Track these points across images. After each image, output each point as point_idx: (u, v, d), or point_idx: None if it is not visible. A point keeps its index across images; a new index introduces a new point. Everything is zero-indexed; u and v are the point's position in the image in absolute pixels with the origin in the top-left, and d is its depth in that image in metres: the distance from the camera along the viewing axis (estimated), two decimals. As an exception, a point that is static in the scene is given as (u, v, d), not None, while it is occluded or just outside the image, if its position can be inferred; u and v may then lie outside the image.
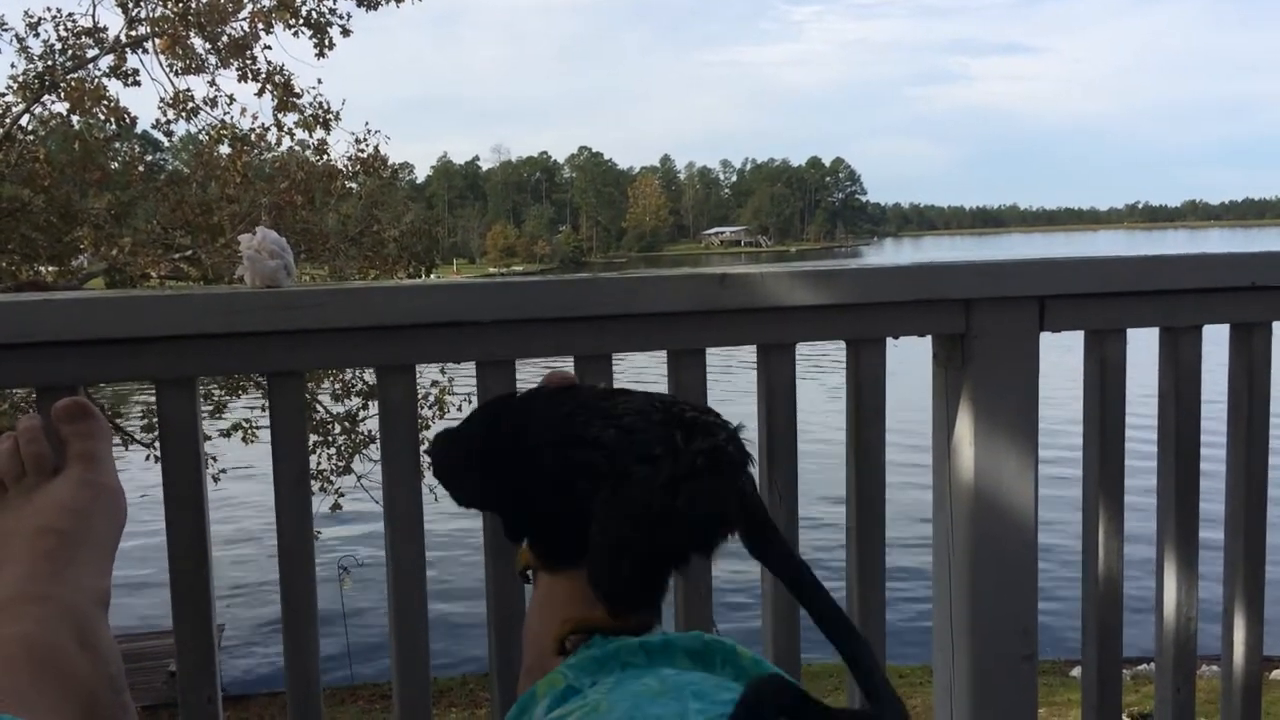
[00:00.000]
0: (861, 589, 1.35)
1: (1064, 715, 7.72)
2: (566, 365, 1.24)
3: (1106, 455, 1.43)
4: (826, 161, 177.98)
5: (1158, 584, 1.50)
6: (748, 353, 1.33)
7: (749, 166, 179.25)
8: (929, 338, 1.39)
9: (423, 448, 0.98)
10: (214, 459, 9.06)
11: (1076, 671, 1.54)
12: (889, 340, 1.36)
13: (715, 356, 1.32)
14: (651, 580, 0.79)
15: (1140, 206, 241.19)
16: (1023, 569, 1.38)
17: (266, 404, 1.18)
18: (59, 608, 0.82)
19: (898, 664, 9.13)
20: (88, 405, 0.96)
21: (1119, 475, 1.44)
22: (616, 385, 1.21)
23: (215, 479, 8.69)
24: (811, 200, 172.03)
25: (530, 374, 1.20)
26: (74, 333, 1.09)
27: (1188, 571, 1.48)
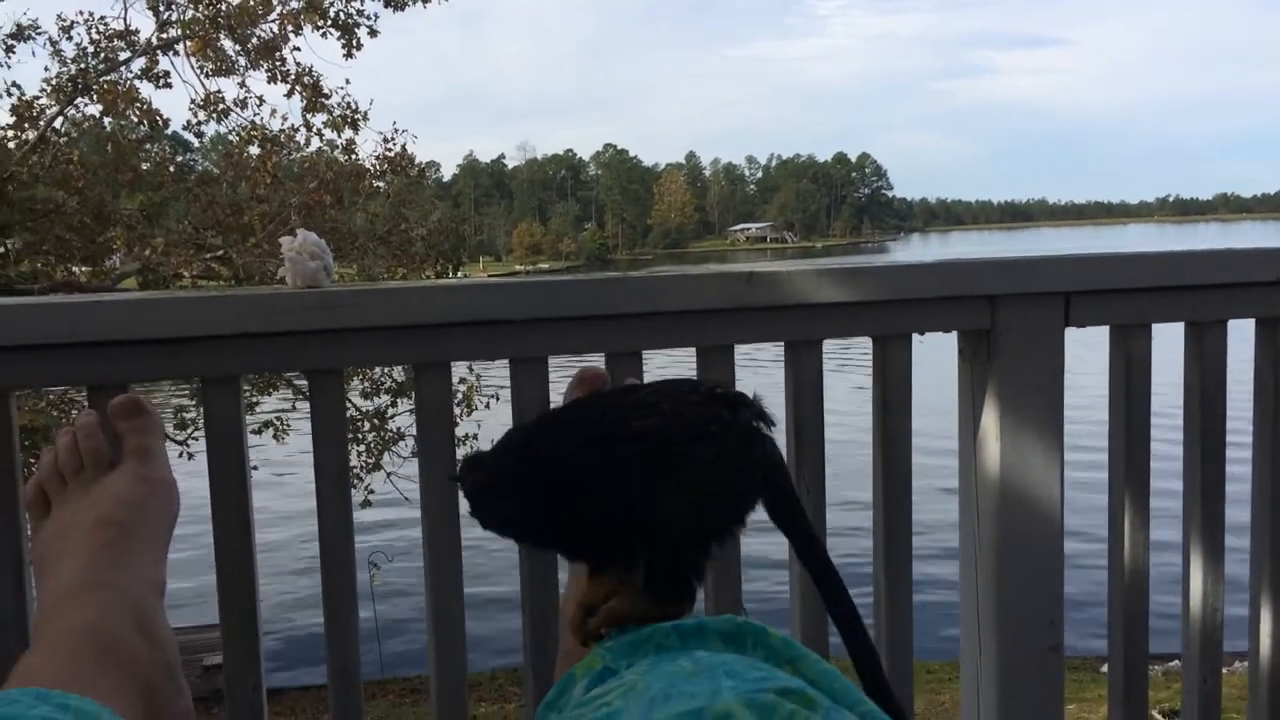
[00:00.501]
0: (889, 582, 1.37)
1: (1094, 710, 7.69)
2: (598, 362, 1.26)
3: (1132, 449, 1.44)
4: (852, 157, 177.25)
5: (1184, 576, 1.51)
6: (769, 350, 1.35)
7: (774, 162, 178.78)
8: (955, 335, 1.40)
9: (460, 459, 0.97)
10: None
11: (1107, 668, 1.55)
12: (915, 337, 1.38)
13: (739, 352, 1.35)
14: (707, 559, 0.81)
15: (1171, 200, 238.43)
16: (1049, 561, 1.40)
17: (294, 403, 1.21)
18: (119, 597, 0.85)
19: (925, 659, 9.13)
20: (142, 402, 1.00)
21: (1145, 469, 1.45)
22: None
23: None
24: (837, 196, 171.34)
25: (563, 372, 1.24)
26: (122, 333, 1.12)
27: (1214, 563, 1.49)
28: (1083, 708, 7.95)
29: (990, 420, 1.39)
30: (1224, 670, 1.54)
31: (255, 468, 1.27)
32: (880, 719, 0.60)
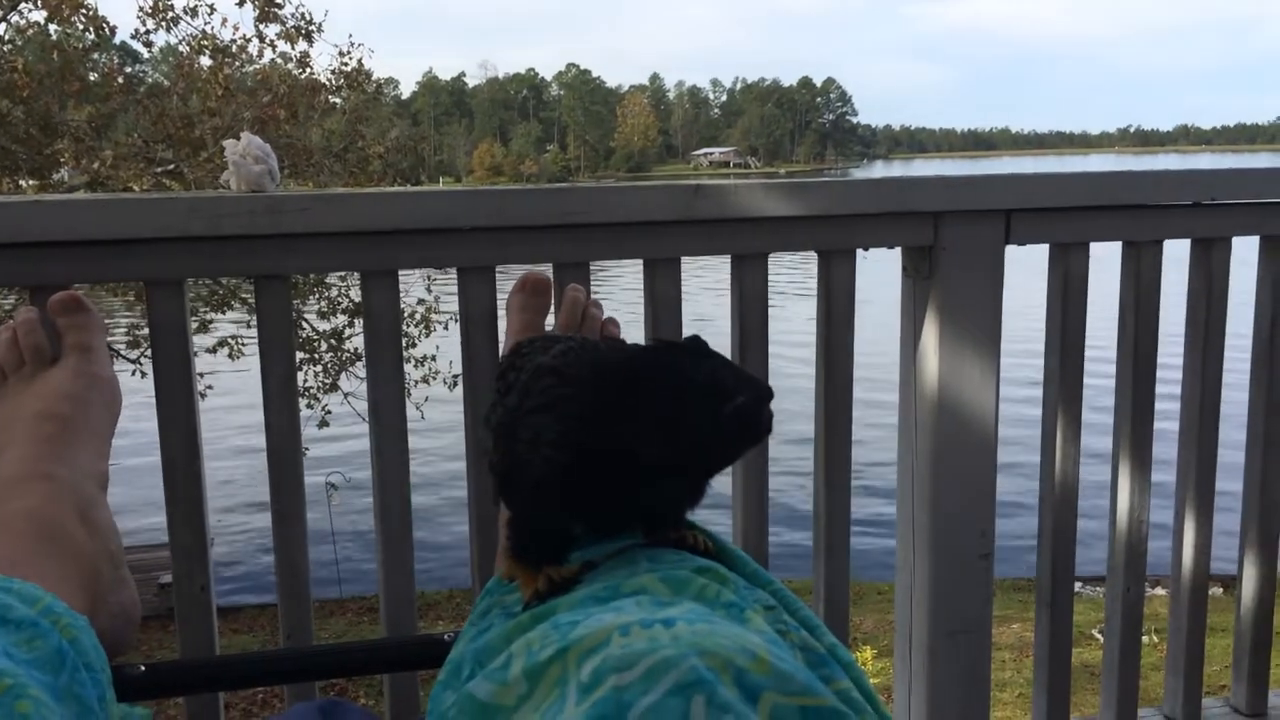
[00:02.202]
0: (828, 488, 1.41)
1: (1035, 629, 7.93)
2: (545, 271, 1.27)
3: (1066, 364, 1.48)
4: (818, 82, 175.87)
5: (1112, 488, 1.56)
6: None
7: (739, 86, 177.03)
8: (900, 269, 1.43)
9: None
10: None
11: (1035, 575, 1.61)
12: (859, 252, 1.40)
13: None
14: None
15: (1132, 130, 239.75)
16: (982, 473, 1.44)
17: (250, 320, 1.21)
18: (61, 486, 0.86)
19: (879, 581, 9.36)
20: (82, 299, 1.00)
21: (1078, 384, 1.50)
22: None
23: (202, 395, 8.72)
24: (802, 121, 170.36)
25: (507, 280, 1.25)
26: (65, 233, 1.11)
27: (1141, 476, 1.54)
28: (1025, 626, 8.22)
29: (930, 336, 1.42)
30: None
31: (210, 387, 1.26)
32: (794, 601, 0.63)
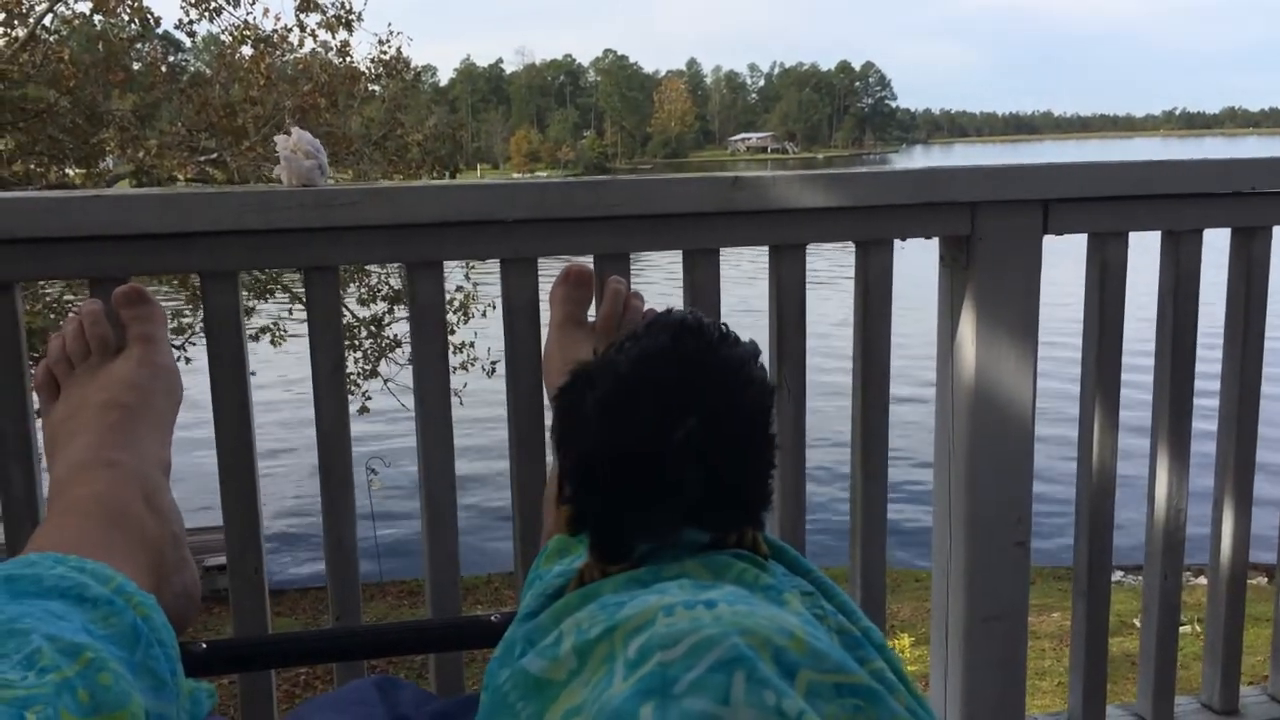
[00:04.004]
0: (865, 477, 1.43)
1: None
2: (586, 262, 1.30)
3: (1104, 354, 1.49)
4: (856, 66, 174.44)
5: (1150, 477, 1.57)
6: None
7: (777, 70, 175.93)
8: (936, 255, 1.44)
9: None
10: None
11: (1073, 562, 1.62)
12: (896, 243, 1.41)
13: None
14: None
15: (1177, 113, 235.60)
16: (1019, 461, 1.45)
17: (291, 307, 1.24)
18: (127, 472, 0.90)
19: (917, 569, 9.33)
20: (145, 291, 1.04)
21: (1115, 373, 1.50)
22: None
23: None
24: (840, 106, 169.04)
25: (550, 271, 1.27)
26: (123, 227, 1.15)
27: (1179, 465, 1.55)
28: (1066, 615, 8.17)
29: (967, 325, 1.43)
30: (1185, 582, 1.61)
31: (254, 373, 1.30)
32: (832, 588, 0.65)
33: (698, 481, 0.63)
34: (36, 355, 1.27)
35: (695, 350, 0.69)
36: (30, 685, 0.58)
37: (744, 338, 0.73)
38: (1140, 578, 1.63)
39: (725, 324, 0.74)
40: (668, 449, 0.64)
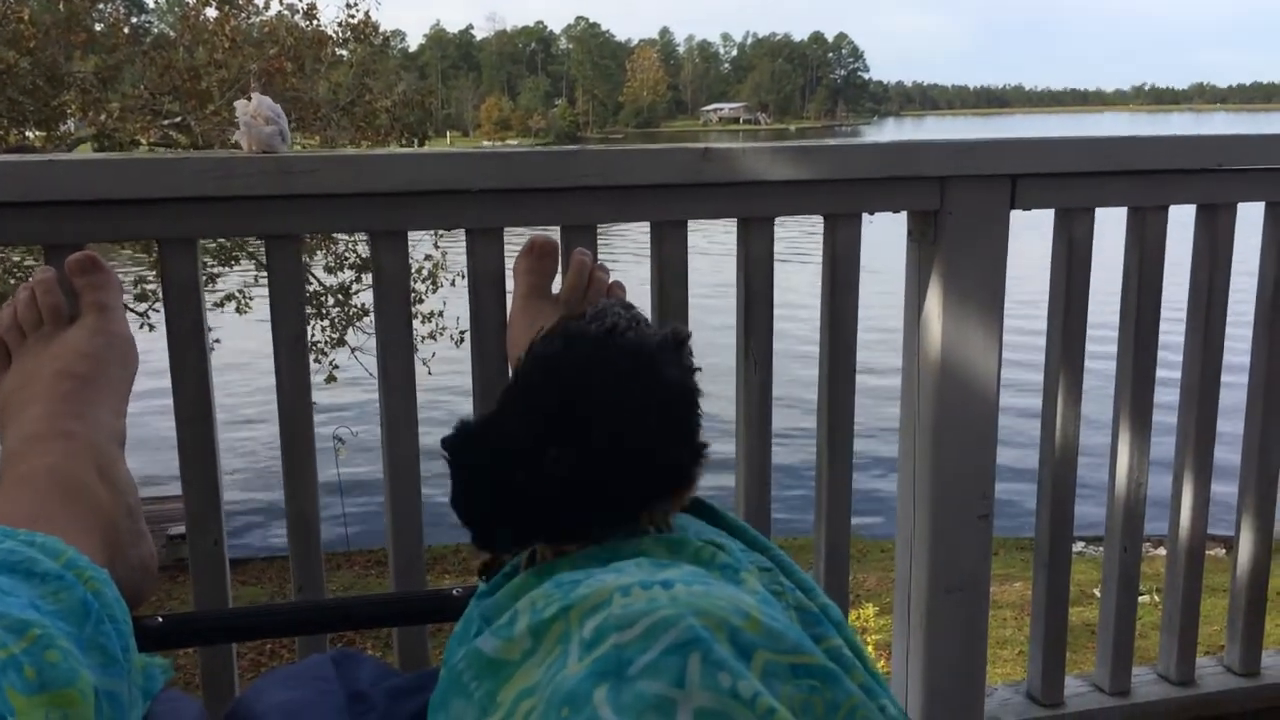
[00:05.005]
0: (830, 449, 1.43)
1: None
2: (553, 234, 1.28)
3: (1069, 329, 1.49)
4: (830, 36, 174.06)
5: (1111, 451, 1.58)
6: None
7: (750, 40, 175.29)
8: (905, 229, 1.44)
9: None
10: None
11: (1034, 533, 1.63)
12: (865, 217, 1.41)
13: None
14: None
15: (1147, 88, 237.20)
16: (983, 435, 1.46)
17: (257, 275, 1.22)
18: (81, 443, 0.89)
19: (882, 539, 9.41)
20: (99, 260, 1.01)
21: (1080, 348, 1.51)
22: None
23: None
24: (813, 77, 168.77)
25: (516, 243, 1.26)
26: (79, 193, 1.13)
27: (1140, 440, 1.56)
28: (1027, 585, 8.28)
29: (934, 300, 1.43)
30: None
31: (218, 341, 1.29)
32: (791, 565, 0.65)
33: (574, 497, 0.64)
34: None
35: (583, 364, 0.70)
36: None
37: (679, 325, 0.77)
38: (1101, 548, 1.65)
39: (640, 319, 0.75)
40: (536, 477, 0.65)
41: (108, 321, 0.99)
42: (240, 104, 1.21)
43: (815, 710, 0.47)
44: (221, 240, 8.97)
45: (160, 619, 0.89)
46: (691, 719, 0.44)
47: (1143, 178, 1.46)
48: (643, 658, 0.46)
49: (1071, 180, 1.44)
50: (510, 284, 1.27)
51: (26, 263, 8.20)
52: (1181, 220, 1.55)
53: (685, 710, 0.44)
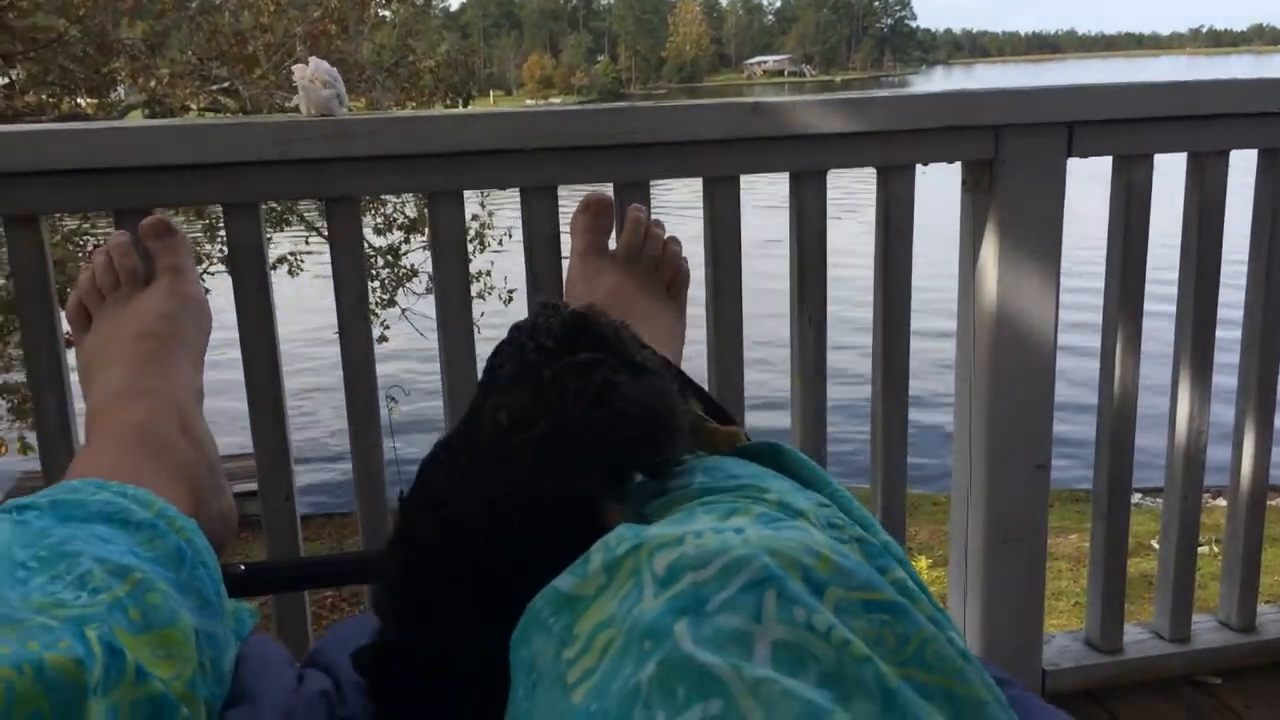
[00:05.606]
0: (885, 400, 1.44)
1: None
2: (606, 190, 1.30)
3: (1127, 276, 1.48)
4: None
5: (1171, 398, 1.57)
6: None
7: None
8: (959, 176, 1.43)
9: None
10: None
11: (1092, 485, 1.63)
12: (918, 168, 1.40)
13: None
14: None
15: (1204, 31, 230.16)
16: (1040, 383, 1.46)
17: (308, 237, 1.24)
18: (163, 400, 0.92)
19: (936, 493, 9.39)
20: (171, 223, 1.04)
21: (1139, 296, 1.50)
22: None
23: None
24: (859, 26, 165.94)
25: (573, 202, 1.27)
26: (146, 159, 1.16)
27: (1201, 387, 1.55)
28: (1083, 537, 8.23)
29: (990, 250, 1.42)
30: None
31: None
32: (851, 501, 0.66)
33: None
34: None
35: (549, 427, 0.63)
36: (84, 604, 0.60)
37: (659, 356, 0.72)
38: (1159, 500, 1.64)
39: (630, 338, 0.70)
40: (495, 543, 0.64)
41: (182, 283, 1.02)
42: (298, 68, 1.23)
43: (887, 643, 0.48)
44: (273, 204, 9.07)
45: (244, 566, 0.93)
46: (769, 650, 0.45)
47: (1202, 122, 1.44)
48: (720, 595, 0.48)
49: (1129, 126, 1.42)
50: (566, 242, 1.29)
51: (83, 229, 8.35)
52: (1241, 164, 1.52)
53: (763, 643, 0.46)
